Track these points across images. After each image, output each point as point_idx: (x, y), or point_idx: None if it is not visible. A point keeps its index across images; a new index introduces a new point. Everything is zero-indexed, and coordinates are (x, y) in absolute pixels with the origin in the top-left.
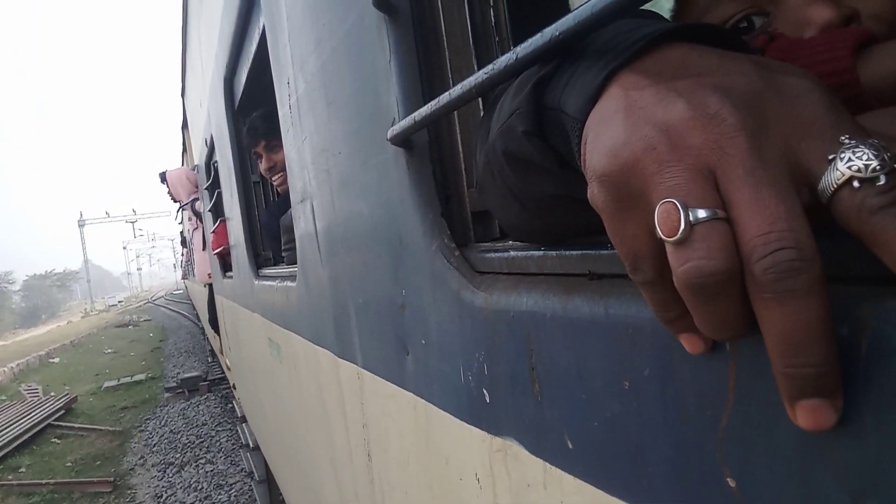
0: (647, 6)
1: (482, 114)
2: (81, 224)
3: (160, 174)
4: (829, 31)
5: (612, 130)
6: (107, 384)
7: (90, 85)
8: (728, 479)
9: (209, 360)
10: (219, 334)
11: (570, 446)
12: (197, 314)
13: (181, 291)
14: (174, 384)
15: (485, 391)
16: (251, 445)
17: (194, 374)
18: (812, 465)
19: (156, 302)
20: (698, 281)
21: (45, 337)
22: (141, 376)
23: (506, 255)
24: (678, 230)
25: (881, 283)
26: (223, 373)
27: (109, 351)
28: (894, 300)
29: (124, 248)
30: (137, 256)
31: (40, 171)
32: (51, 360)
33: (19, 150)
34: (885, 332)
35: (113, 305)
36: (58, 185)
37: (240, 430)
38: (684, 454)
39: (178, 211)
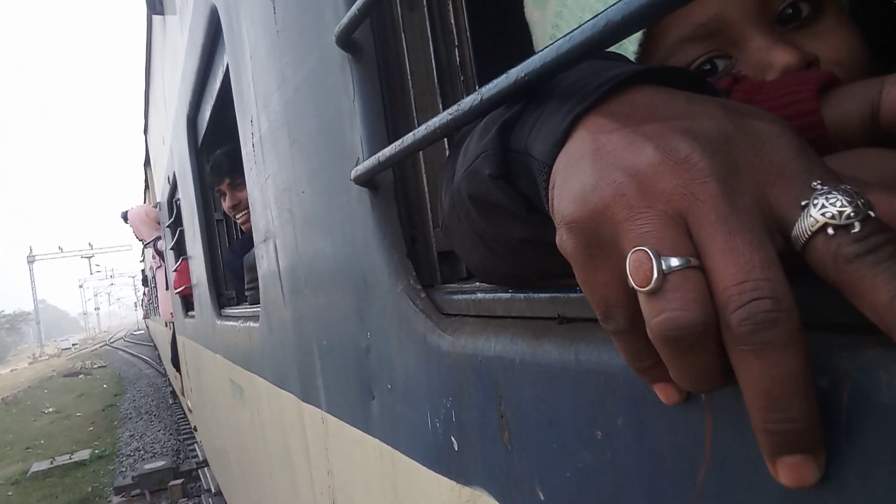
0: (611, 49)
1: (447, 154)
2: (31, 260)
3: (122, 213)
4: (793, 74)
5: (580, 175)
6: (36, 467)
7: (47, 112)
8: None
9: (179, 423)
10: (180, 374)
11: (542, 497)
12: (160, 356)
13: (142, 332)
14: (129, 481)
15: (453, 439)
16: (213, 491)
17: (159, 463)
18: None
19: (114, 344)
20: (673, 333)
21: None
22: (85, 454)
23: (473, 297)
24: (651, 279)
25: (860, 331)
26: (202, 455)
27: (50, 410)
28: (874, 350)
29: (80, 286)
30: (95, 295)
31: None
32: None
33: None
34: (866, 385)
35: (66, 349)
36: (8, 218)
37: (201, 475)
38: None
39: (142, 250)
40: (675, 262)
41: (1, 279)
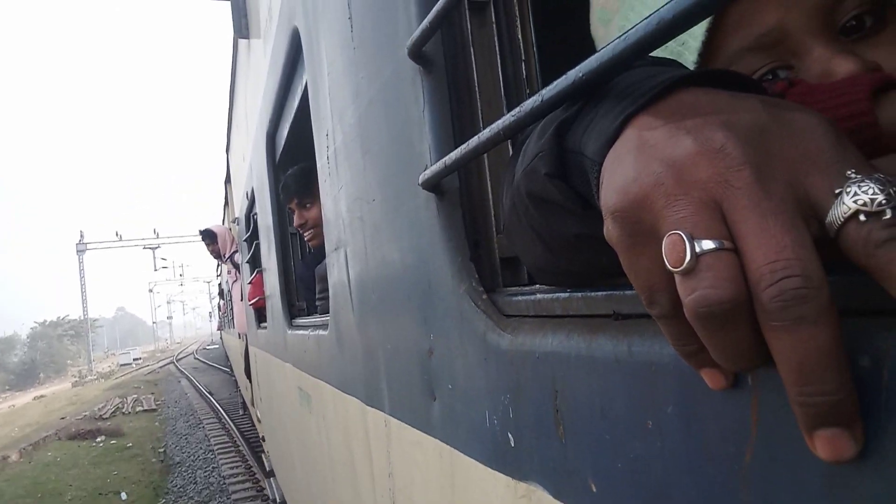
0: (671, 58)
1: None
2: (81, 250)
3: (204, 231)
4: (848, 77)
5: (624, 168)
6: None
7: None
8: None
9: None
10: (251, 385)
11: (594, 489)
12: (236, 382)
13: (216, 346)
14: None
15: (510, 435)
16: (278, 501)
17: None
18: (839, 501)
19: (180, 362)
20: (705, 310)
21: None
22: None
23: (532, 297)
24: (684, 260)
25: None
26: (269, 465)
27: None
28: None
29: (150, 290)
30: (168, 302)
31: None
32: None
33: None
34: None
35: (125, 364)
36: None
37: (267, 486)
38: (709, 494)
39: (217, 266)
40: (708, 244)
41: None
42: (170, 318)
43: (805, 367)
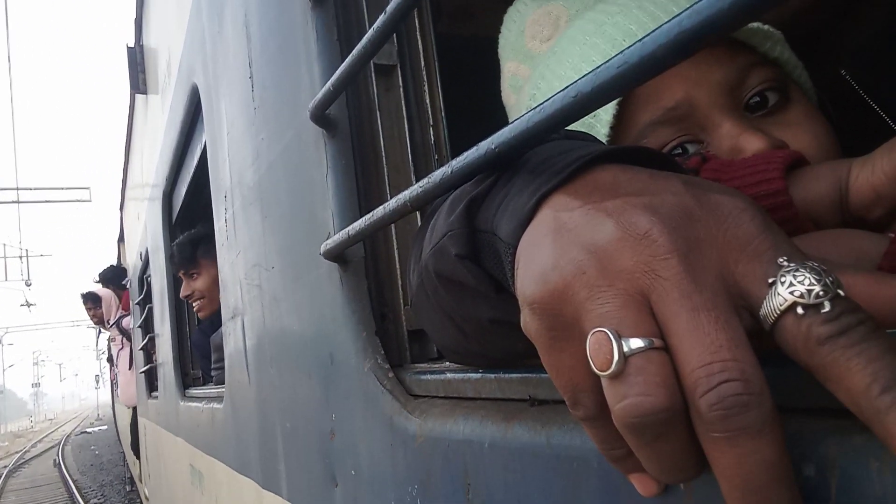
0: (583, 132)
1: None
2: None
3: (86, 294)
4: (761, 153)
5: (541, 254)
6: None
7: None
8: None
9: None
10: (139, 459)
11: None
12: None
13: (102, 427)
14: None
15: None
16: None
17: None
18: None
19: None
20: (637, 420)
21: None
22: None
23: (442, 377)
24: (612, 363)
25: (844, 415)
26: None
27: None
28: (862, 436)
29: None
30: (35, 364)
31: None
32: None
33: None
34: (856, 474)
35: None
36: None
37: None
38: None
39: (98, 334)
40: (636, 343)
41: None
42: (36, 385)
43: (750, 484)
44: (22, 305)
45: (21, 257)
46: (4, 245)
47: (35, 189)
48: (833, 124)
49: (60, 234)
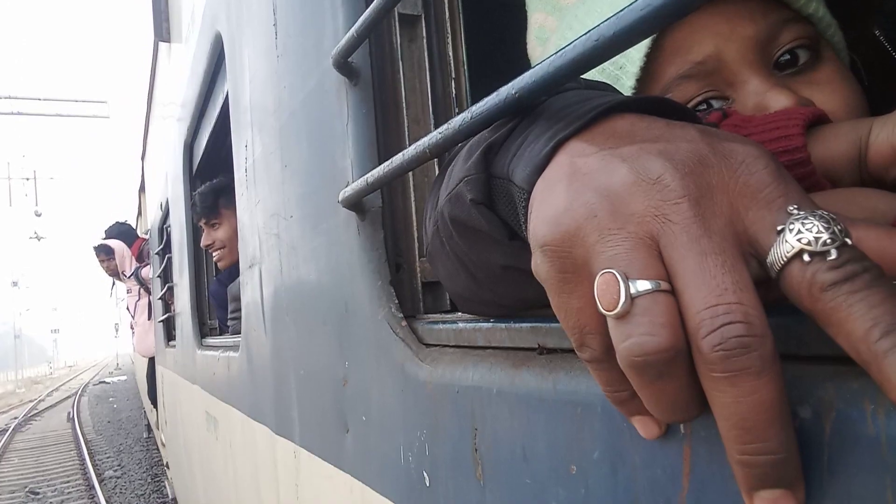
0: (609, 82)
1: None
2: None
3: (98, 246)
4: (782, 110)
5: (554, 197)
6: None
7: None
8: None
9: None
10: (156, 407)
11: None
12: (144, 408)
13: (122, 377)
14: None
15: (425, 473)
16: None
17: None
18: None
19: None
20: (641, 359)
21: None
22: None
23: (454, 326)
24: (618, 303)
25: (843, 361)
26: (172, 493)
27: None
28: (859, 380)
29: (14, 283)
30: (55, 309)
31: None
32: None
33: None
34: (850, 416)
35: None
36: None
37: None
38: None
39: (112, 286)
40: (643, 285)
41: None
42: (55, 330)
43: (748, 422)
44: (31, 238)
45: (28, 178)
46: (9, 164)
47: (45, 100)
48: (864, 88)
49: (74, 156)
